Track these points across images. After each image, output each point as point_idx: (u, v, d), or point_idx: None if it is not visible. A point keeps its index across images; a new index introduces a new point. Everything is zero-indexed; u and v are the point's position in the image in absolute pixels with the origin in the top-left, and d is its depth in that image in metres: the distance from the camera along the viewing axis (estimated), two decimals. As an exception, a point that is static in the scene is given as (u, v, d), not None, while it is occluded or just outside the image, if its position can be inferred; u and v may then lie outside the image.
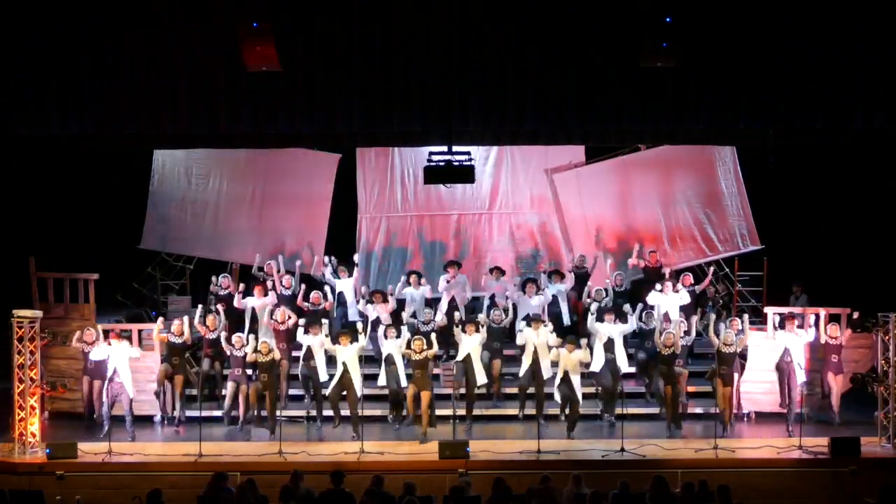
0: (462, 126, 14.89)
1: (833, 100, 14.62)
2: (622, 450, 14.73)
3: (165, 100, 14.69)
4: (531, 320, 16.46)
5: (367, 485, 12.69)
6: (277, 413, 15.78)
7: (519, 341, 16.50)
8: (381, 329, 16.41)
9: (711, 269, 18.81)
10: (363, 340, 15.99)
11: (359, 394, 15.69)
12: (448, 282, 17.85)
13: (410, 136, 15.54)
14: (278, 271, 18.19)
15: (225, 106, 14.71)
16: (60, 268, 17.32)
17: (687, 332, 16.52)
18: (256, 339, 16.37)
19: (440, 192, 19.08)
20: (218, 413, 16.51)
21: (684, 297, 17.29)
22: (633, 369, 16.96)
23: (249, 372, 16.19)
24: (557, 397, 15.91)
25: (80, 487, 14.18)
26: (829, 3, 14.44)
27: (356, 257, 18.80)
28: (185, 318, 16.62)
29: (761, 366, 16.52)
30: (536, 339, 16.11)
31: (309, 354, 16.26)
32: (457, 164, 14.93)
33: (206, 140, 16.18)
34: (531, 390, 16.29)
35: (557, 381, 15.79)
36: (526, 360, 16.19)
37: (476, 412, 16.33)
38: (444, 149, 15.03)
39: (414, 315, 17.24)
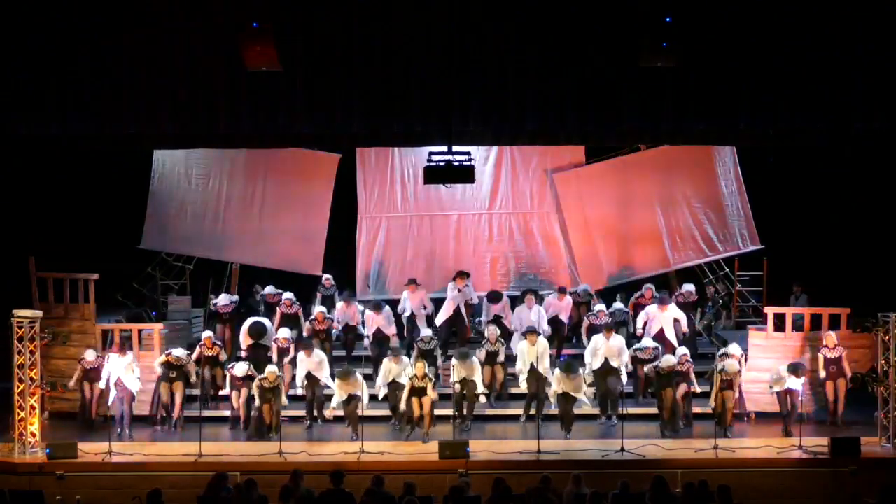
0: (462, 126, 14.87)
1: (833, 100, 14.61)
2: (622, 450, 14.73)
3: (165, 100, 14.69)
4: (526, 333, 16.47)
5: (367, 485, 12.67)
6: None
7: (515, 352, 16.68)
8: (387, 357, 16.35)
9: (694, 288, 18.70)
10: (358, 388, 15.72)
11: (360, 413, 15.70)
12: (460, 290, 17.95)
13: (410, 136, 15.50)
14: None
15: (225, 106, 14.71)
16: (60, 268, 17.31)
17: (686, 334, 16.49)
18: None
19: (440, 192, 19.05)
20: (218, 413, 16.54)
21: (675, 311, 17.39)
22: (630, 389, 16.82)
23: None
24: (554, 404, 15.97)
25: (80, 487, 14.19)
26: (829, 3, 14.43)
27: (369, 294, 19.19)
28: (192, 362, 16.49)
29: (761, 366, 16.52)
30: (533, 353, 16.11)
31: (311, 378, 16.27)
32: (457, 164, 14.92)
33: (206, 140, 16.14)
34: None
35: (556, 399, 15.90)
36: (524, 370, 16.23)
37: (476, 412, 16.33)
38: (444, 149, 15.01)
39: (412, 320, 17.45)
